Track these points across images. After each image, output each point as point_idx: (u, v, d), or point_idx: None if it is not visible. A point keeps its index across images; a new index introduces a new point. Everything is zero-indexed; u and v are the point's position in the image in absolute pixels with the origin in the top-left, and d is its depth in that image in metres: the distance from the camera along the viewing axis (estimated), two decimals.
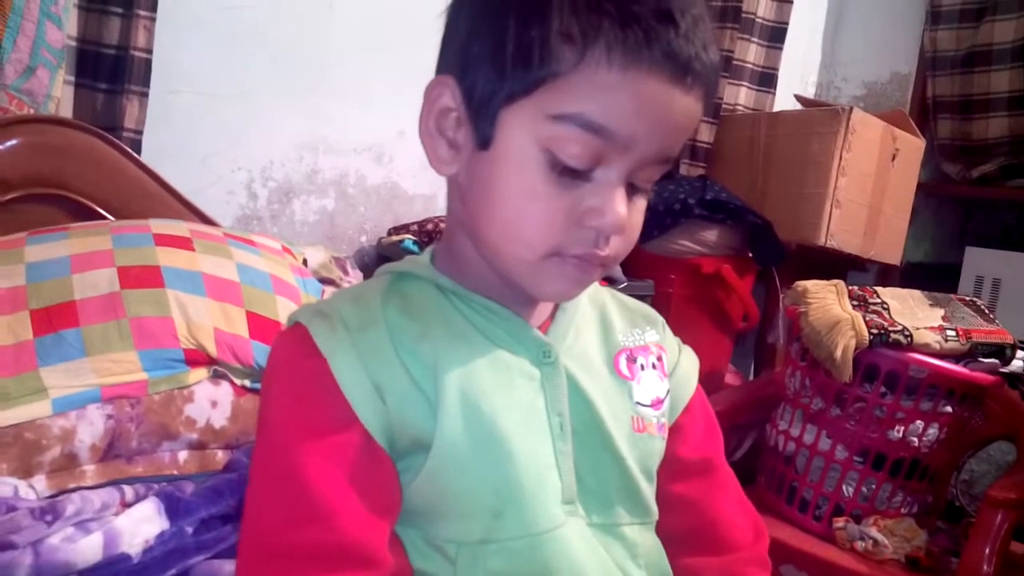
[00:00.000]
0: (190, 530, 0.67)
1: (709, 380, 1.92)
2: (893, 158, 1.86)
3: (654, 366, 0.59)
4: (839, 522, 1.33)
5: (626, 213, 0.49)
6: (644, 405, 0.57)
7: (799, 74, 2.36)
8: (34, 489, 0.69)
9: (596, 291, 0.62)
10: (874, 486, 1.34)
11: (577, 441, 0.53)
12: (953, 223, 2.46)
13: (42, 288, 0.83)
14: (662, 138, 0.48)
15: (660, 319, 0.64)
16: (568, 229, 0.48)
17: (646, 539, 0.56)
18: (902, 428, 1.32)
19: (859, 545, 1.29)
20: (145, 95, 1.26)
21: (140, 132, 1.26)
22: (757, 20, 2.09)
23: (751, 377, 2.14)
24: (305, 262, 1.17)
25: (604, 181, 0.48)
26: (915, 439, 1.32)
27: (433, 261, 0.57)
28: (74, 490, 0.71)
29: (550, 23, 0.45)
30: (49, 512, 0.62)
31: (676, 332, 0.66)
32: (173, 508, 0.68)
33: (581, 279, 0.51)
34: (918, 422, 1.31)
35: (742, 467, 1.62)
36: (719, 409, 1.58)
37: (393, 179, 1.65)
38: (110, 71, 1.23)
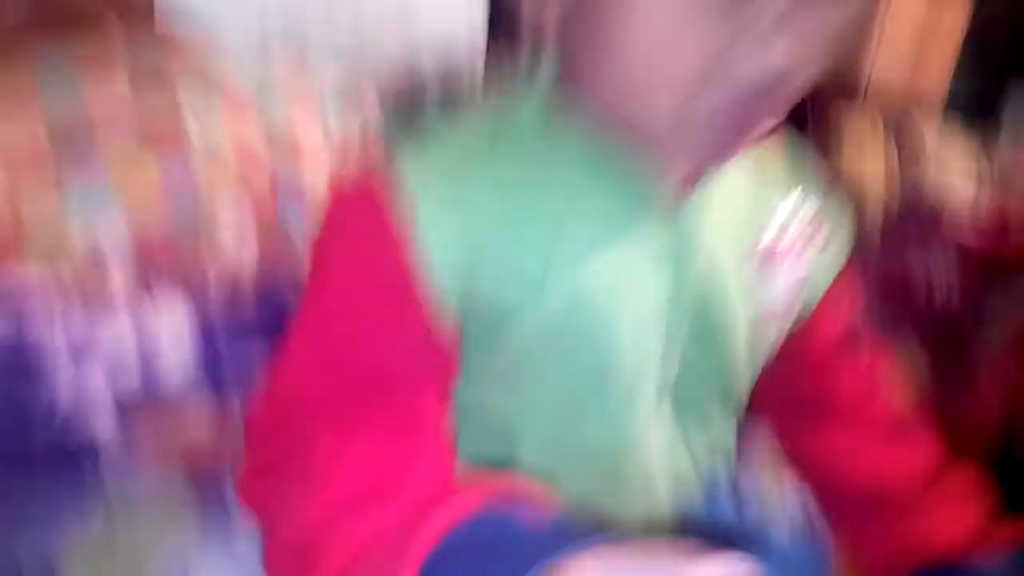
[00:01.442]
0: (221, 335, 0.68)
1: None
2: None
3: (798, 251, 0.51)
4: None
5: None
6: (775, 297, 0.50)
7: None
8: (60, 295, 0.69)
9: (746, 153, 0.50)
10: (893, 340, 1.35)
11: (689, 336, 0.47)
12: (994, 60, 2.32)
13: (55, 96, 0.81)
14: None
15: (819, 183, 0.55)
16: (723, 73, 0.38)
17: (728, 441, 0.54)
18: (924, 284, 1.31)
19: None
20: None
21: None
22: None
23: None
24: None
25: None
26: (938, 293, 1.32)
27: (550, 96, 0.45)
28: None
29: None
30: (84, 319, 0.62)
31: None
32: (202, 312, 0.68)
33: (740, 143, 0.43)
34: (942, 279, 1.30)
35: None
36: None
37: (416, 39, 1.54)
38: None
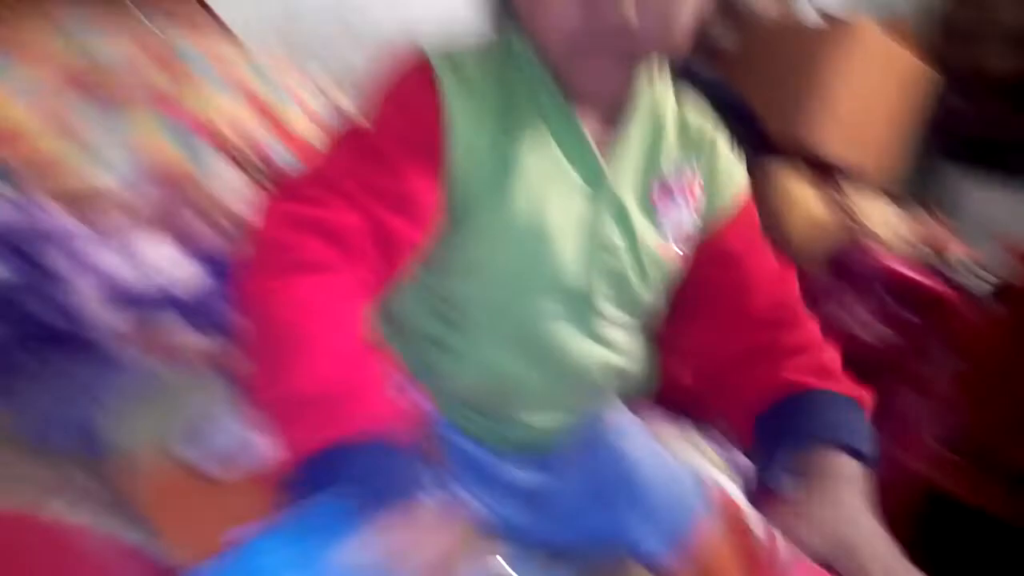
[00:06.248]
0: (219, 282, 0.78)
1: None
2: (896, 78, 1.91)
3: (686, 199, 0.65)
4: None
5: None
6: (670, 236, 0.64)
7: None
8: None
9: (660, 102, 0.65)
10: None
11: (606, 250, 0.61)
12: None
13: (94, 68, 0.92)
14: None
15: (712, 140, 0.69)
16: (580, 15, 0.54)
17: (632, 342, 0.66)
18: (864, 326, 1.41)
19: None
20: None
21: None
22: None
23: None
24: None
25: None
26: (876, 337, 1.41)
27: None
28: None
29: None
30: (111, 243, 0.73)
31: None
32: (207, 263, 0.79)
33: (613, 69, 0.58)
34: (881, 321, 1.40)
35: None
36: None
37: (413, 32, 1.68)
38: None
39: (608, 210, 0.61)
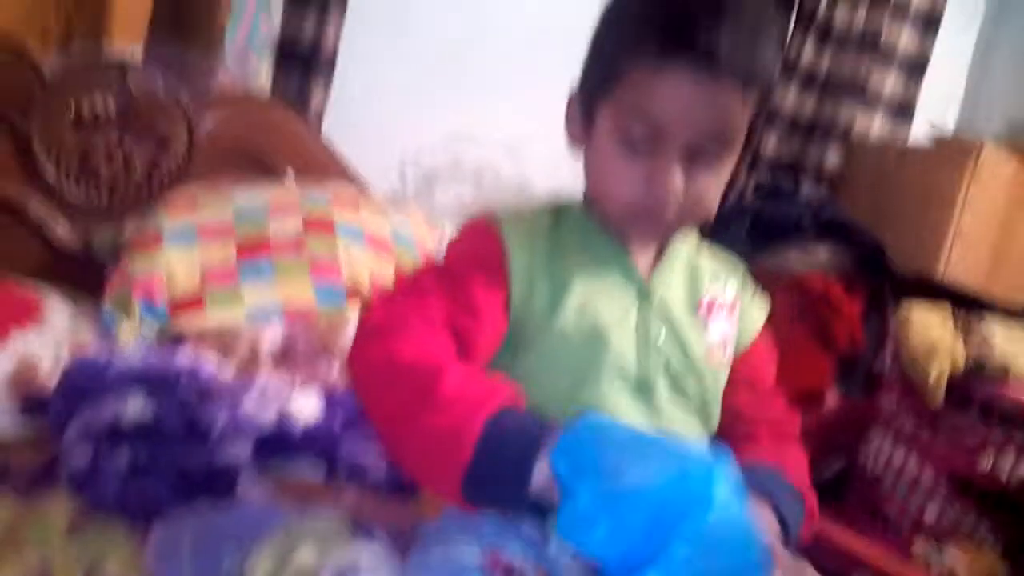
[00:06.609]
0: (339, 418, 0.86)
1: (808, 400, 1.92)
2: None
3: (728, 315, 0.74)
4: (918, 541, 1.35)
5: (676, 182, 0.62)
6: (714, 342, 0.72)
7: (936, 105, 2.34)
8: (228, 372, 0.90)
9: (694, 247, 0.77)
10: (958, 512, 1.35)
11: (657, 345, 0.69)
12: None
13: (245, 224, 1.06)
14: (693, 122, 0.61)
15: (741, 272, 0.78)
16: (639, 191, 0.64)
17: (695, 432, 0.71)
18: (991, 458, 1.33)
19: (935, 567, 1.31)
20: (329, 84, 1.49)
21: (321, 115, 1.50)
22: (898, 51, 2.10)
23: None
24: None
25: (658, 155, 0.62)
26: (1005, 470, 1.33)
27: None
28: None
29: (617, 41, 0.64)
30: (242, 384, 0.82)
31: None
32: (329, 400, 0.87)
33: (655, 232, 0.69)
34: (1010, 454, 1.32)
35: (831, 487, 1.65)
36: (812, 430, 1.63)
37: (526, 175, 1.81)
38: (303, 62, 1.47)
39: (656, 315, 0.70)
